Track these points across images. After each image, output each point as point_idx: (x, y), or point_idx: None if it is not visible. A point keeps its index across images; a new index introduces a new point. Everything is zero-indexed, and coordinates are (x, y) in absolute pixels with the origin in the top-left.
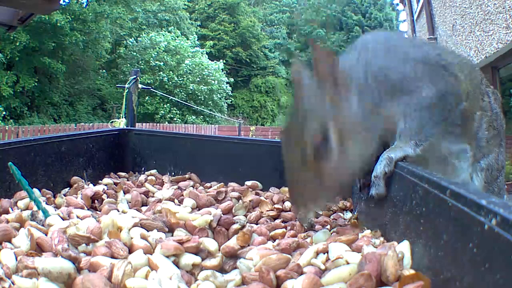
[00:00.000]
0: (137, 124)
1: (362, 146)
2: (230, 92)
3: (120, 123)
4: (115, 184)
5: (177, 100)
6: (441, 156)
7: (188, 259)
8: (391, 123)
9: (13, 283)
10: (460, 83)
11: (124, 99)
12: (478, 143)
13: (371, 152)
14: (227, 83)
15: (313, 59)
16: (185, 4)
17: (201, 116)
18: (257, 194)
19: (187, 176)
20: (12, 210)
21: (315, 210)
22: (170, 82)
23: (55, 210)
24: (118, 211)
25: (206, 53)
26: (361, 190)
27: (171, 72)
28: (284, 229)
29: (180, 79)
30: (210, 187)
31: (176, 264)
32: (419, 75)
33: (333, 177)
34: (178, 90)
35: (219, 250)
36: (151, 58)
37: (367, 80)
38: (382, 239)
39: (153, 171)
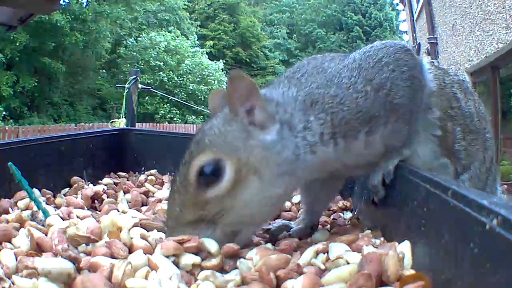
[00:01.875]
0: (137, 124)
1: (274, 188)
2: None
3: (120, 123)
4: (115, 184)
5: (177, 100)
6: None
7: (188, 259)
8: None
9: (13, 283)
10: (423, 86)
11: (124, 99)
12: (457, 156)
13: (285, 196)
14: (227, 83)
15: (227, 88)
16: (185, 4)
17: (201, 116)
18: None
19: None
20: (12, 210)
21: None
22: (170, 82)
23: (55, 210)
24: (118, 211)
25: (206, 53)
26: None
27: (171, 72)
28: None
29: (180, 79)
30: None
31: (176, 264)
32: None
33: (216, 216)
34: (178, 90)
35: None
36: (151, 58)
37: (308, 117)
38: (382, 239)
39: (153, 171)
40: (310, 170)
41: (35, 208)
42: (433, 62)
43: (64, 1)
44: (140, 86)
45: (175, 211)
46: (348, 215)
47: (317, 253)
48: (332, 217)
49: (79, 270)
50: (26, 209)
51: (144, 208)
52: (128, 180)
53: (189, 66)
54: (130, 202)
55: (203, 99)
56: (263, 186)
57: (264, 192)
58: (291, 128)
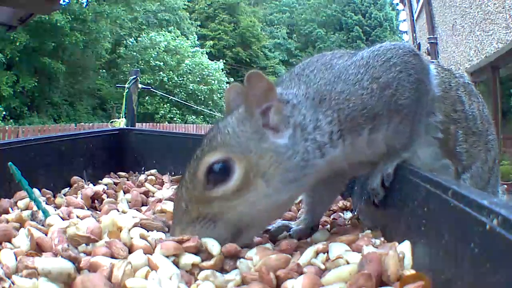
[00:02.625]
0: (137, 124)
1: (280, 194)
2: None
3: (120, 123)
4: (115, 184)
5: (177, 100)
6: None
7: (188, 259)
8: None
9: (13, 283)
10: (429, 91)
11: (124, 99)
12: (458, 158)
13: (290, 202)
14: (227, 83)
15: (245, 86)
16: (185, 4)
17: (201, 116)
18: None
19: None
20: (12, 210)
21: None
22: (170, 82)
23: (55, 210)
24: (118, 211)
25: (206, 53)
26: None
27: (171, 72)
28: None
29: (180, 79)
30: None
31: (176, 264)
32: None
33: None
34: (178, 90)
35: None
36: (151, 58)
37: (317, 116)
38: (382, 239)
39: (153, 171)
40: (317, 175)
41: (35, 208)
42: (439, 64)
43: (64, 1)
44: (140, 86)
45: (181, 206)
46: (348, 215)
47: (317, 253)
48: (332, 217)
49: (79, 270)
50: (26, 209)
51: (144, 208)
52: (128, 180)
53: (189, 66)
54: (130, 202)
55: (203, 99)
56: (269, 192)
57: (269, 197)
58: (302, 130)
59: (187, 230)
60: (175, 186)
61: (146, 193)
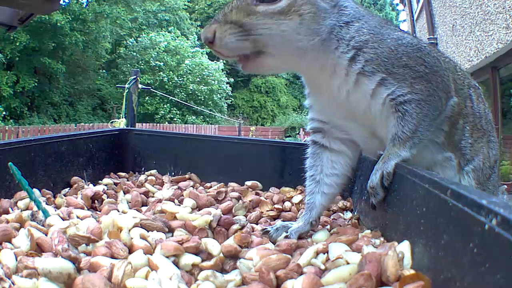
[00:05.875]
0: (137, 124)
1: (301, 38)
2: (230, 92)
3: (120, 123)
4: (115, 184)
5: (177, 100)
6: (426, 167)
7: (188, 259)
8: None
9: (13, 283)
10: (449, 78)
11: (124, 99)
12: (462, 151)
13: (299, 56)
14: (227, 83)
15: None
16: (185, 4)
17: (201, 116)
18: (257, 194)
19: (187, 176)
20: (12, 210)
21: None
22: (170, 82)
23: (55, 210)
24: (118, 211)
25: (206, 53)
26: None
27: (171, 72)
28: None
29: (180, 79)
30: (210, 187)
31: (176, 264)
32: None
33: None
34: (178, 90)
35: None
36: (151, 58)
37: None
38: (382, 239)
39: (153, 171)
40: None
41: (35, 208)
42: (457, 65)
43: (64, 1)
44: (140, 86)
45: (226, 9)
46: (348, 215)
47: (317, 253)
48: (332, 217)
49: (79, 270)
50: (26, 209)
51: (144, 208)
52: (128, 180)
53: (189, 66)
54: (130, 202)
55: (203, 99)
56: (298, 29)
57: (296, 32)
58: (339, 14)
59: (224, 27)
60: (175, 186)
61: (146, 194)
